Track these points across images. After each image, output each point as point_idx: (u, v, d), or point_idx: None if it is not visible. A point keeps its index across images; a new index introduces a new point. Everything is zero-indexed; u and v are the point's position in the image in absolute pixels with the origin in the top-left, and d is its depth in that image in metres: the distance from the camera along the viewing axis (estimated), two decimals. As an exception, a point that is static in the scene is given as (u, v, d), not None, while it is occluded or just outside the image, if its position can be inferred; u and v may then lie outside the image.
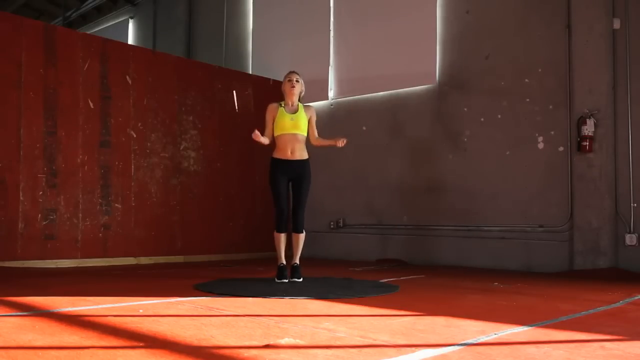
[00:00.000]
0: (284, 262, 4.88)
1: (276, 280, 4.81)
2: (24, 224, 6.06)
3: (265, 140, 4.79)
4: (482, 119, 6.86)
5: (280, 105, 4.89)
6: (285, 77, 4.98)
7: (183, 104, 7.53)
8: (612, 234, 5.93)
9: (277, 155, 4.86)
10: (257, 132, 4.64)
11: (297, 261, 4.92)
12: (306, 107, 4.96)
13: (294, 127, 4.80)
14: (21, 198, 6.06)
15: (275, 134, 4.87)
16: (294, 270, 4.86)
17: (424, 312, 3.38)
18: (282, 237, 4.87)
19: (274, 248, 4.95)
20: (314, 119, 4.99)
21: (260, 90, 8.33)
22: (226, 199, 7.86)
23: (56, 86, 6.39)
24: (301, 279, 4.81)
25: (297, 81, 4.89)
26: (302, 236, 4.91)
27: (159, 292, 4.06)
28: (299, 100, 4.97)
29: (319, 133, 5.09)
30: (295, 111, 4.86)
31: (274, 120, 4.88)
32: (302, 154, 4.86)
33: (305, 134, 4.90)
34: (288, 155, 4.82)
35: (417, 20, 7.48)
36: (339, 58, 8.29)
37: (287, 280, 4.78)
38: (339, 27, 8.35)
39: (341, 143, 4.87)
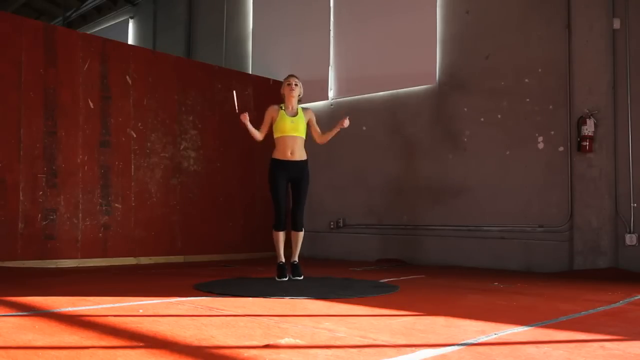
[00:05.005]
0: (284, 260, 4.94)
1: (277, 279, 4.83)
2: (24, 224, 6.06)
3: (254, 131, 4.92)
4: (482, 119, 6.86)
5: (281, 108, 4.97)
6: (285, 80, 5.09)
7: (183, 104, 7.53)
8: (612, 234, 5.93)
9: (277, 156, 4.94)
10: (246, 115, 4.80)
11: (297, 259, 4.97)
12: (304, 110, 5.07)
13: (294, 130, 4.90)
14: (21, 198, 6.06)
15: (276, 136, 4.98)
16: (294, 269, 4.91)
17: (424, 312, 3.38)
18: (281, 236, 4.94)
19: (273, 248, 5.02)
20: (314, 119, 5.10)
21: (260, 90, 8.33)
22: (226, 199, 7.86)
23: (56, 86, 6.39)
24: (302, 277, 4.84)
25: (296, 85, 4.99)
26: (301, 234, 5.00)
27: (159, 292, 4.07)
28: (297, 102, 5.07)
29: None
30: (295, 114, 4.96)
31: (272, 122, 4.98)
32: (301, 154, 4.97)
33: (304, 136, 5.01)
34: (288, 156, 4.90)
35: (417, 20, 7.48)
36: (339, 58, 8.29)
37: (287, 279, 4.80)
38: (339, 27, 8.35)
39: (344, 123, 4.92)
